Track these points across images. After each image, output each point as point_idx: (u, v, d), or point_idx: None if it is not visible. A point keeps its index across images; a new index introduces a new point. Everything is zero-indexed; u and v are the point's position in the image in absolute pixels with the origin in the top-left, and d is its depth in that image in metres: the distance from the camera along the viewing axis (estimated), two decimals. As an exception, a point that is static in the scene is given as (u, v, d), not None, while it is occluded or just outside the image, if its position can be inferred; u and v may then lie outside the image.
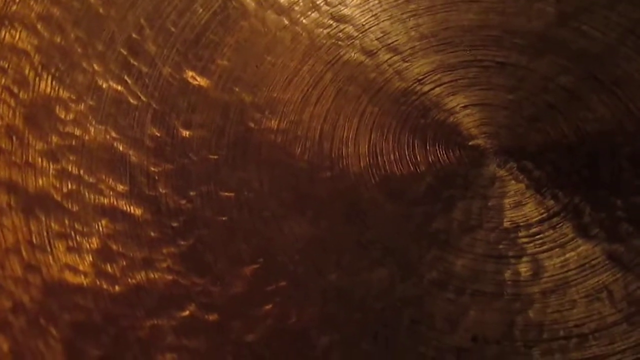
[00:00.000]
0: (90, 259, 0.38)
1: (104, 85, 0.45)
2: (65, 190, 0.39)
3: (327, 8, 0.54)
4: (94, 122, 0.43)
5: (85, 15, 0.47)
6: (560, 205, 0.47)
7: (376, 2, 0.55)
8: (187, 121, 0.48)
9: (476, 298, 0.44)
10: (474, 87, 0.53)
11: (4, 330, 0.33)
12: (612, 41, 0.53)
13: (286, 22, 0.53)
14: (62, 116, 0.41)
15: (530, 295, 0.43)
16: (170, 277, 0.40)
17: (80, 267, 0.37)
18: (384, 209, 0.48)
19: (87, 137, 0.42)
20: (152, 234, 0.42)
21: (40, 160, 0.39)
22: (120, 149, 0.44)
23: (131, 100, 0.46)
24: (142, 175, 0.44)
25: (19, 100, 0.41)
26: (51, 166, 0.39)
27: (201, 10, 0.51)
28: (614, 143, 0.49)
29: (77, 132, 0.42)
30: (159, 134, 0.47)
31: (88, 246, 0.38)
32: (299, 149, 0.50)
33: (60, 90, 0.42)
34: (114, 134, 0.44)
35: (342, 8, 0.54)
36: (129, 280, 0.38)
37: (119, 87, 0.46)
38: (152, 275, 0.40)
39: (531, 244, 0.46)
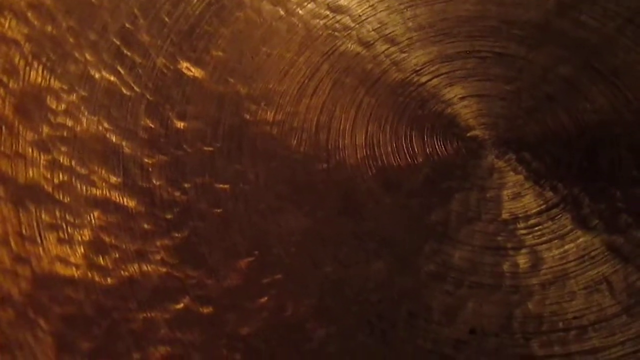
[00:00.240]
0: (82, 250, 0.37)
1: (97, 76, 0.45)
2: (56, 181, 0.39)
3: (324, -2, 0.53)
4: (86, 113, 0.43)
5: (77, 4, 0.46)
6: (559, 196, 0.46)
7: (373, -8, 0.54)
8: (181, 112, 0.48)
9: (474, 290, 0.43)
10: (471, 78, 0.52)
11: (-9, 323, 0.32)
12: (611, 31, 0.52)
13: (282, 12, 0.52)
14: (54, 106, 0.41)
15: (529, 287, 0.43)
16: (164, 270, 0.40)
17: (72, 259, 0.36)
18: (381, 200, 0.47)
19: (79, 128, 0.42)
20: (146, 226, 0.41)
21: (30, 150, 0.38)
22: (113, 140, 0.43)
23: (124, 91, 0.46)
24: (136, 167, 0.43)
25: (8, 90, 0.41)
26: (42, 157, 0.38)
27: (196, 0, 0.51)
28: (613, 133, 0.48)
29: (69, 122, 0.42)
30: (152, 125, 0.46)
31: (80, 238, 0.37)
32: (295, 141, 0.49)
33: (52, 80, 0.41)
34: (106, 125, 0.44)
35: (339, -2, 0.54)
36: (122, 272, 0.38)
37: (112, 78, 0.45)
38: (146, 268, 0.39)
39: (530, 236, 0.45)
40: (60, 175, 0.39)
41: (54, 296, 0.34)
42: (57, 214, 0.38)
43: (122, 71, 0.46)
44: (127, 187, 0.42)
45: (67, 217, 0.38)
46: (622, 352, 0.39)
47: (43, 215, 0.37)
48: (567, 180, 0.47)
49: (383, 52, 0.54)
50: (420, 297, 0.43)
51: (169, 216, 0.43)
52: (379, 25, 0.55)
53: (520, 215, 0.46)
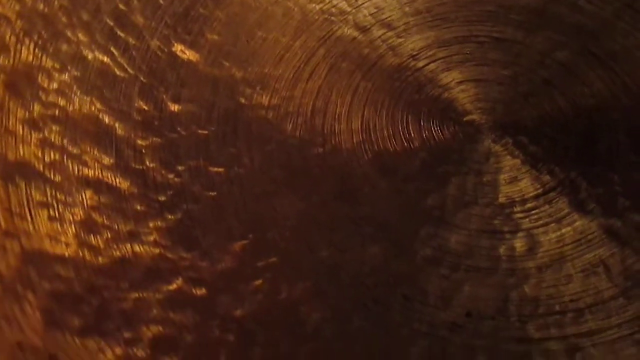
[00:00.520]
0: (73, 229, 0.37)
1: (90, 56, 0.44)
2: (47, 159, 0.38)
3: (320, -18, 0.53)
4: (78, 93, 0.42)
5: (70, -16, 0.46)
6: (556, 180, 0.46)
7: (369, -24, 0.54)
8: (176, 95, 0.47)
9: (470, 274, 0.43)
10: (469, 63, 0.52)
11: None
12: (609, 16, 0.52)
13: (278, -4, 0.52)
14: (45, 85, 0.40)
15: (525, 270, 0.43)
16: (156, 251, 0.39)
17: (62, 238, 0.36)
18: (377, 185, 0.47)
19: (71, 108, 0.41)
20: (139, 207, 0.41)
21: (21, 128, 0.38)
22: (106, 121, 0.43)
23: (117, 72, 0.45)
24: (129, 149, 0.43)
25: (-1, 66, 0.40)
26: (33, 135, 0.38)
27: (191, -17, 0.50)
28: (611, 118, 0.48)
29: (61, 102, 0.41)
30: (146, 108, 0.46)
31: (71, 217, 0.37)
32: (291, 125, 0.49)
33: (43, 58, 0.41)
34: (99, 106, 0.43)
35: (335, -18, 0.53)
36: (113, 252, 0.37)
37: (105, 59, 0.45)
38: (138, 248, 0.39)
39: (526, 219, 0.45)
40: (52, 154, 0.39)
41: (43, 273, 0.33)
42: (48, 192, 0.37)
43: (115, 52, 0.46)
44: (119, 168, 0.42)
45: (58, 195, 0.38)
46: (618, 334, 0.39)
47: (33, 193, 0.36)
48: (564, 164, 0.46)
49: (379, 36, 0.53)
50: (416, 281, 0.43)
51: (162, 198, 0.43)
52: (375, 10, 0.54)
53: (517, 199, 0.46)
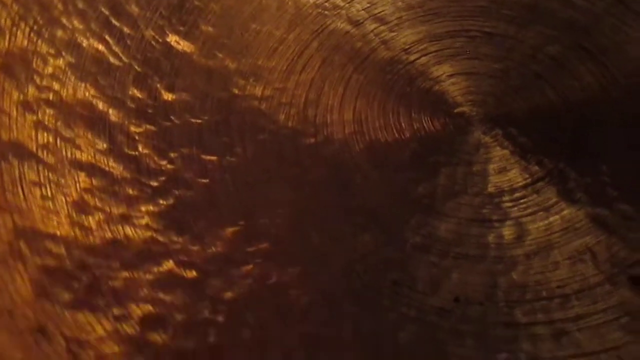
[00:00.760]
0: (66, 209, 0.37)
1: (84, 43, 0.45)
2: (41, 141, 0.39)
3: (314, -24, 0.54)
4: (73, 79, 0.43)
5: (66, -28, 0.47)
6: (544, 170, 0.46)
7: (363, -29, 0.55)
8: (170, 85, 0.48)
9: (459, 261, 0.43)
10: (460, 57, 0.53)
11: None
12: (600, 11, 0.53)
13: (272, -10, 0.53)
14: (40, 69, 0.41)
15: (513, 257, 0.43)
16: (148, 234, 0.40)
17: (54, 217, 0.36)
18: (368, 175, 0.47)
19: (65, 93, 0.42)
20: (131, 191, 0.41)
21: (15, 109, 0.38)
22: (100, 107, 0.44)
23: (112, 60, 0.46)
24: (122, 135, 0.43)
25: (-6, 48, 0.41)
26: (27, 117, 0.38)
27: (186, -25, 0.51)
28: (600, 111, 0.49)
29: (56, 86, 0.42)
30: (140, 96, 0.46)
31: (63, 198, 0.37)
32: (283, 116, 0.49)
33: (39, 43, 0.41)
34: (93, 92, 0.44)
35: (329, -24, 0.54)
36: (105, 233, 0.38)
37: (100, 47, 0.45)
38: (130, 231, 0.39)
39: (515, 208, 0.45)
40: (46, 136, 0.39)
41: (35, 248, 0.34)
42: (41, 172, 0.38)
43: (110, 41, 0.46)
44: (112, 153, 0.42)
45: (51, 176, 0.38)
46: (603, 319, 0.39)
47: (27, 172, 0.37)
48: (553, 155, 0.47)
49: (372, 30, 0.54)
50: (405, 268, 0.43)
51: (154, 184, 0.43)
52: (368, 5, 0.55)
53: (505, 189, 0.46)
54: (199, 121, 0.47)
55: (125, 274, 0.37)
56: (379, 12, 0.55)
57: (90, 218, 0.38)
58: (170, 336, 0.36)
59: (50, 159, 0.38)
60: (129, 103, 0.45)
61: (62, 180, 0.38)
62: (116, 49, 0.46)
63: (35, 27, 0.41)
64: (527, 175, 0.46)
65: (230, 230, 0.43)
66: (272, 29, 0.53)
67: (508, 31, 0.53)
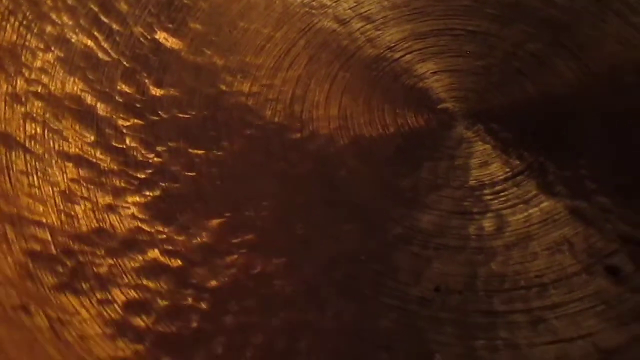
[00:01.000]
0: (52, 198, 0.38)
1: (74, 39, 0.46)
2: (29, 132, 0.40)
3: (300, -25, 0.55)
4: (61, 72, 0.44)
5: (56, -31, 0.48)
6: (525, 164, 0.47)
7: (349, -29, 0.56)
8: (158, 80, 0.49)
9: (440, 251, 0.44)
10: (444, 55, 0.54)
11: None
12: (579, 8, 0.54)
13: (260, -11, 0.54)
14: (29, 63, 0.42)
15: (493, 248, 0.44)
16: (134, 224, 0.41)
17: (40, 205, 0.37)
18: (352, 169, 0.48)
19: (53, 86, 0.43)
20: (118, 183, 0.42)
21: (3, 101, 0.39)
22: (88, 100, 0.44)
23: (101, 56, 0.47)
24: (110, 128, 0.44)
25: (-17, 41, 0.42)
26: (16, 108, 0.39)
27: (175, -26, 0.52)
28: (579, 106, 0.50)
29: (44, 79, 0.43)
30: (129, 91, 0.47)
31: (50, 187, 0.38)
32: (270, 112, 0.50)
33: (28, 37, 0.42)
34: (82, 86, 0.45)
35: (315, -25, 0.55)
36: (91, 222, 0.39)
37: (89, 42, 0.46)
38: (116, 220, 0.40)
39: (496, 201, 0.46)
40: (34, 127, 0.40)
41: (20, 233, 0.34)
42: (29, 162, 0.39)
43: (99, 37, 0.47)
44: (100, 145, 0.43)
45: (39, 166, 0.39)
46: (580, 307, 0.40)
47: (14, 161, 0.38)
48: (533, 149, 0.48)
49: (358, 29, 0.55)
50: (387, 259, 0.44)
51: (141, 176, 0.44)
52: (355, 4, 0.56)
53: (486, 182, 0.47)
54: (187, 116, 0.48)
55: (110, 260, 0.37)
56: (365, 11, 0.56)
57: (77, 207, 0.39)
58: (153, 321, 0.36)
59: (39, 150, 0.39)
60: (117, 97, 0.46)
61: (50, 170, 0.39)
62: (105, 44, 0.47)
63: (24, 22, 0.42)
64: (507, 169, 0.47)
65: (216, 221, 0.44)
66: (260, 26, 0.54)
67: (490, 29, 0.54)
